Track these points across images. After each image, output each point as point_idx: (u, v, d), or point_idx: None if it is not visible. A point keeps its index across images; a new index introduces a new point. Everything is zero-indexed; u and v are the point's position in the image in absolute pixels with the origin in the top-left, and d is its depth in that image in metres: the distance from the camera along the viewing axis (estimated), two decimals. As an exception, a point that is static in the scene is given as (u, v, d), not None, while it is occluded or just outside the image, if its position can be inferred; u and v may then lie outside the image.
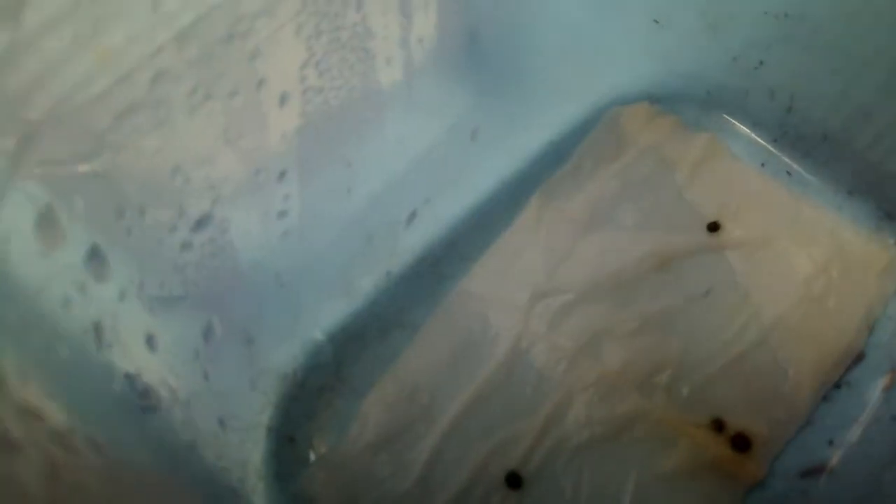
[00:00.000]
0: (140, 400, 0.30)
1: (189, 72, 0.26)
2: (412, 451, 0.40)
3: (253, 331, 0.39)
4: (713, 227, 0.46)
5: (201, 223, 0.31)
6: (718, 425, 0.41)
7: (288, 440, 0.41)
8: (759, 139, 0.51)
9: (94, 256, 0.26)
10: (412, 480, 0.39)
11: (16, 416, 0.20)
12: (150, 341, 0.30)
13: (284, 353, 0.41)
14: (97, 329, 0.26)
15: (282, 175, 0.33)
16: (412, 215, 0.44)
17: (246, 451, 0.39)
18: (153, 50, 0.24)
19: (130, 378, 0.29)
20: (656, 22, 0.49)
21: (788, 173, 0.49)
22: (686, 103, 0.51)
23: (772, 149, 0.50)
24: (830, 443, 0.42)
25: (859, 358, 0.44)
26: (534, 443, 0.40)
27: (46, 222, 0.24)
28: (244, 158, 0.30)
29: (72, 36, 0.21)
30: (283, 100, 0.31)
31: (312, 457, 0.41)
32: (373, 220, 0.42)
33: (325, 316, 0.43)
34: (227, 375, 0.38)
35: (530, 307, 0.43)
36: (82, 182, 0.24)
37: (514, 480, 0.39)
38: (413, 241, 0.45)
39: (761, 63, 0.48)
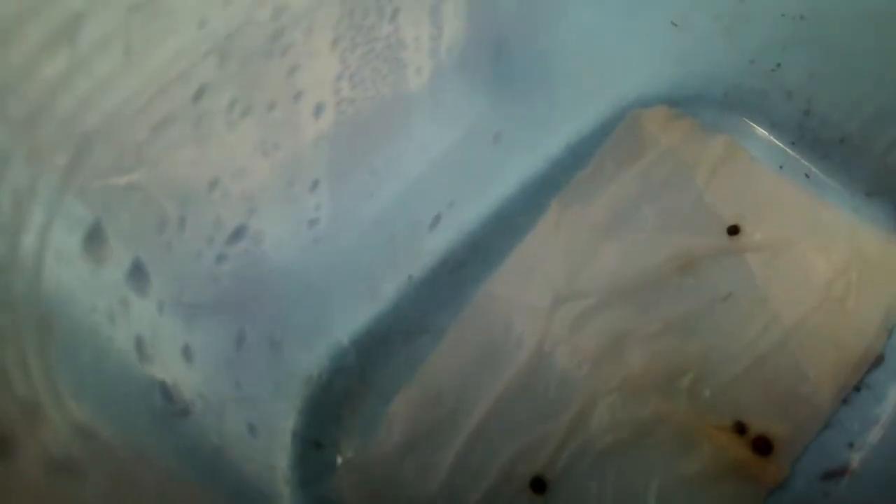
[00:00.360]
0: (176, 410, 0.30)
1: (229, 86, 0.26)
2: (438, 454, 0.40)
3: (280, 336, 0.39)
4: (733, 231, 0.46)
5: (237, 235, 0.31)
6: (740, 428, 0.41)
7: (314, 445, 0.41)
8: (777, 141, 0.51)
9: (137, 271, 0.26)
10: (438, 484, 0.39)
11: (76, 437, 0.20)
12: (186, 352, 0.30)
13: (310, 358, 0.42)
14: (139, 343, 0.27)
15: (314, 185, 0.33)
16: (436, 219, 0.45)
17: (273, 457, 0.39)
18: (197, 65, 0.24)
19: (167, 389, 0.29)
20: (674, 24, 0.49)
21: (807, 175, 0.49)
22: (704, 105, 0.52)
23: (790, 151, 0.50)
24: (851, 445, 0.42)
25: (879, 360, 0.44)
26: (558, 447, 0.40)
27: (94, 239, 0.24)
28: (279, 170, 0.30)
29: (122, 54, 0.22)
30: (318, 111, 0.31)
31: (339, 461, 0.41)
32: (397, 224, 0.43)
33: (350, 320, 0.43)
34: (256, 381, 0.38)
35: (552, 311, 0.44)
36: (126, 197, 0.24)
37: (538, 485, 0.39)
38: (436, 245, 0.45)
39: (778, 65, 0.48)
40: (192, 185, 0.27)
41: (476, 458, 0.40)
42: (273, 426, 0.39)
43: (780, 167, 0.50)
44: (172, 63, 0.23)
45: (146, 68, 0.23)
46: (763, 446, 0.41)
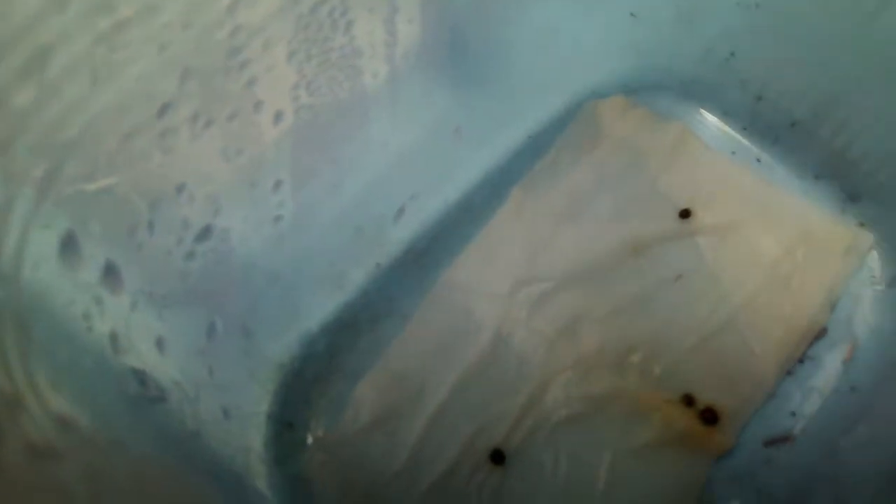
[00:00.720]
0: (152, 397, 0.32)
1: (191, 101, 0.28)
2: (403, 432, 0.43)
3: (251, 325, 0.41)
4: (685, 214, 0.49)
5: (204, 234, 0.33)
6: (688, 400, 0.44)
7: (287, 426, 0.43)
8: (729, 128, 0.53)
9: (110, 272, 0.29)
10: (404, 459, 0.42)
11: (53, 426, 0.22)
12: (160, 344, 0.33)
13: (281, 344, 0.44)
14: (113, 337, 0.29)
15: (277, 185, 0.36)
16: (399, 210, 0.47)
17: (248, 438, 0.41)
18: (159, 85, 0.27)
19: (143, 378, 0.31)
20: (633, 15, 0.51)
21: (758, 160, 0.52)
22: (660, 95, 0.54)
23: (742, 137, 0.53)
24: (793, 414, 0.45)
25: (822, 333, 0.47)
26: (516, 422, 0.43)
27: (68, 245, 0.26)
28: (242, 173, 0.33)
29: (89, 80, 0.24)
30: (278, 118, 0.33)
31: (310, 441, 0.43)
32: (362, 217, 0.45)
33: (319, 308, 0.45)
34: (229, 368, 0.41)
35: (512, 295, 0.46)
36: (97, 203, 0.27)
37: (498, 457, 0.42)
38: (401, 235, 0.47)
39: (732, 54, 0.51)
40: (159, 190, 0.30)
41: (439, 434, 0.43)
42: (247, 410, 0.42)
43: (733, 153, 0.52)
44: (136, 85, 0.26)
45: (111, 92, 0.25)
46: (710, 417, 0.43)
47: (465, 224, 0.49)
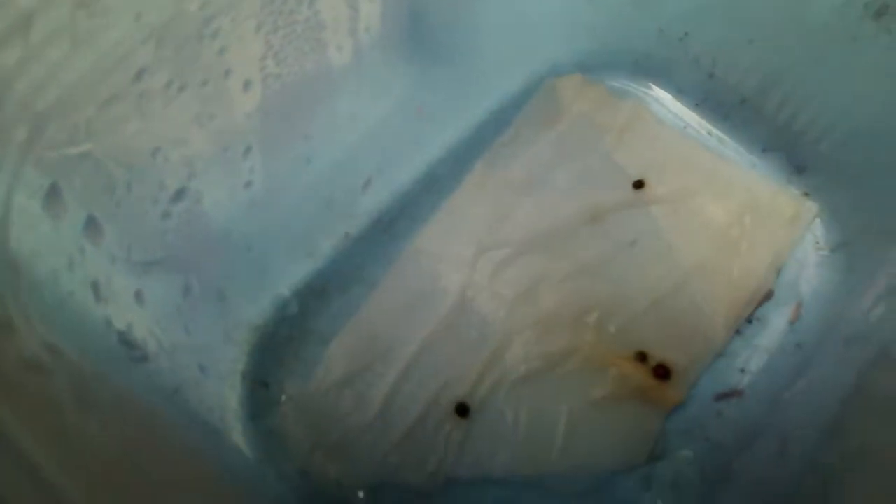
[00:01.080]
0: (132, 350, 0.35)
1: (166, 67, 0.31)
2: (372, 388, 0.45)
3: (226, 289, 0.44)
4: (638, 185, 0.51)
5: (179, 195, 0.36)
6: (642, 357, 0.46)
7: (261, 385, 0.46)
8: (682, 104, 0.56)
9: (91, 225, 0.31)
10: (373, 414, 0.44)
11: (43, 349, 0.25)
12: (139, 297, 0.35)
13: (255, 308, 0.46)
14: (95, 286, 0.31)
15: (247, 150, 0.38)
16: (367, 182, 0.49)
17: (224, 396, 0.44)
18: (135, 51, 0.29)
19: (125, 338, 0.34)
20: (590, -3, 0.54)
21: (709, 134, 0.55)
22: (616, 72, 0.56)
23: (694, 113, 0.55)
24: (742, 370, 0.47)
25: (768, 296, 0.49)
26: (479, 377, 0.45)
27: (52, 200, 0.28)
28: (214, 138, 0.35)
29: (69, 45, 0.26)
30: (247, 86, 0.36)
31: (283, 398, 0.46)
32: (331, 187, 0.47)
33: (291, 274, 0.48)
34: (205, 329, 0.43)
35: (475, 261, 0.49)
36: (78, 164, 0.29)
37: (462, 410, 0.45)
38: (369, 205, 0.50)
39: (686, 34, 0.53)
40: (136, 152, 0.32)
41: (407, 389, 0.45)
42: (223, 369, 0.44)
43: (685, 127, 0.55)
44: (114, 50, 0.28)
45: (91, 56, 0.27)
46: (663, 373, 0.46)
47: (430, 195, 0.51)
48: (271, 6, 0.33)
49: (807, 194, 0.51)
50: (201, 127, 0.34)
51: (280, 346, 0.47)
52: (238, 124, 0.36)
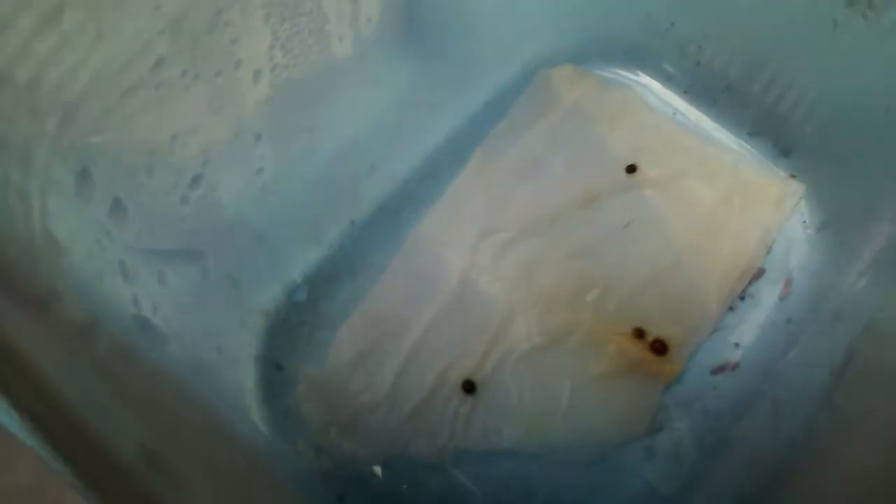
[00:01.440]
0: (155, 330, 0.37)
1: (182, 57, 0.33)
2: (382, 368, 0.47)
3: (239, 275, 0.46)
4: (631, 169, 0.53)
5: (195, 181, 0.38)
6: (639, 333, 0.48)
7: (275, 367, 0.48)
8: (671, 91, 0.58)
9: (117, 207, 0.33)
10: (384, 392, 0.46)
11: (88, 320, 0.27)
12: (161, 280, 0.37)
13: (267, 294, 0.48)
14: (122, 266, 0.33)
15: (257, 137, 0.40)
16: (371, 170, 0.51)
17: (241, 378, 0.46)
18: (154, 41, 0.31)
19: (147, 313, 0.36)
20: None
21: (697, 120, 0.57)
22: (606, 62, 0.58)
23: (682, 99, 0.57)
24: (736, 345, 0.49)
25: (759, 273, 0.51)
26: (484, 356, 0.47)
27: (83, 182, 0.30)
28: (227, 125, 0.37)
29: (95, 35, 0.28)
30: (257, 76, 0.37)
31: (298, 379, 0.48)
32: (336, 176, 0.49)
33: (301, 261, 0.49)
34: (220, 314, 0.45)
35: (476, 245, 0.51)
36: (104, 149, 0.31)
37: (469, 386, 0.46)
38: (373, 193, 0.52)
39: (672, 24, 0.55)
40: (156, 140, 0.34)
41: (416, 368, 0.47)
42: (238, 352, 0.46)
43: (674, 114, 0.57)
44: (134, 41, 0.30)
45: (114, 46, 0.29)
46: (660, 347, 0.48)
47: (432, 183, 0.53)
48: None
49: (793, 176, 0.53)
50: (215, 115, 0.36)
51: (292, 330, 0.49)
52: (249, 113, 0.38)
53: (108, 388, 0.25)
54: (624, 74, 0.58)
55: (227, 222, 0.41)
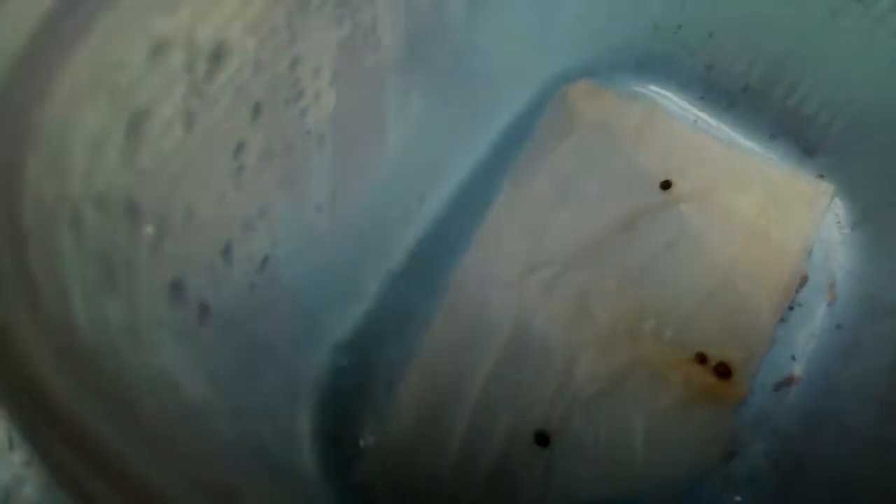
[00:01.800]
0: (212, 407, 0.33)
1: (259, 137, 0.29)
2: (449, 428, 0.44)
3: (283, 344, 0.42)
4: (665, 186, 0.51)
5: (263, 265, 0.34)
6: (702, 358, 0.47)
7: (334, 441, 0.44)
8: (687, 99, 0.56)
9: (203, 313, 0.29)
10: (455, 457, 0.43)
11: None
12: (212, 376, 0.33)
13: (312, 362, 0.44)
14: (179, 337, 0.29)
15: (319, 208, 0.37)
16: (401, 216, 0.48)
17: (298, 455, 0.42)
18: (236, 125, 0.27)
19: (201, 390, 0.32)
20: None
21: (717, 126, 0.55)
22: (620, 74, 0.56)
23: (699, 106, 0.56)
24: (793, 358, 0.48)
25: (804, 281, 0.50)
26: (552, 402, 0.45)
27: (174, 293, 0.26)
28: (294, 200, 0.33)
29: (184, 128, 0.24)
30: (321, 142, 0.34)
31: (359, 451, 0.44)
32: (369, 226, 0.46)
33: (344, 321, 0.46)
34: (270, 390, 0.41)
35: (523, 282, 0.48)
36: (193, 251, 0.27)
37: (542, 439, 0.44)
38: (406, 240, 0.48)
39: (679, 27, 0.54)
40: (232, 229, 0.30)
41: (483, 424, 0.44)
42: (293, 429, 0.42)
43: (695, 121, 0.55)
44: (218, 127, 0.26)
45: (198, 137, 0.26)
46: (724, 371, 0.46)
47: (465, 220, 0.50)
48: (344, 52, 0.32)
49: (821, 176, 0.52)
50: (286, 192, 0.32)
51: (345, 398, 0.45)
52: (313, 182, 0.34)
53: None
54: (639, 84, 0.56)
55: (279, 294, 0.38)
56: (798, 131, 0.53)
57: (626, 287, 0.48)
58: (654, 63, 0.56)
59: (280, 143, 0.30)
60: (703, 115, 0.55)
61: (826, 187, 0.52)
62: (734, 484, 0.45)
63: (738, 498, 0.45)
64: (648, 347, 0.47)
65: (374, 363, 0.46)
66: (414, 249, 0.49)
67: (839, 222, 0.52)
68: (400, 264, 0.48)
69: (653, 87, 0.56)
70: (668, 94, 0.56)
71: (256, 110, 0.28)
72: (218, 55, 0.25)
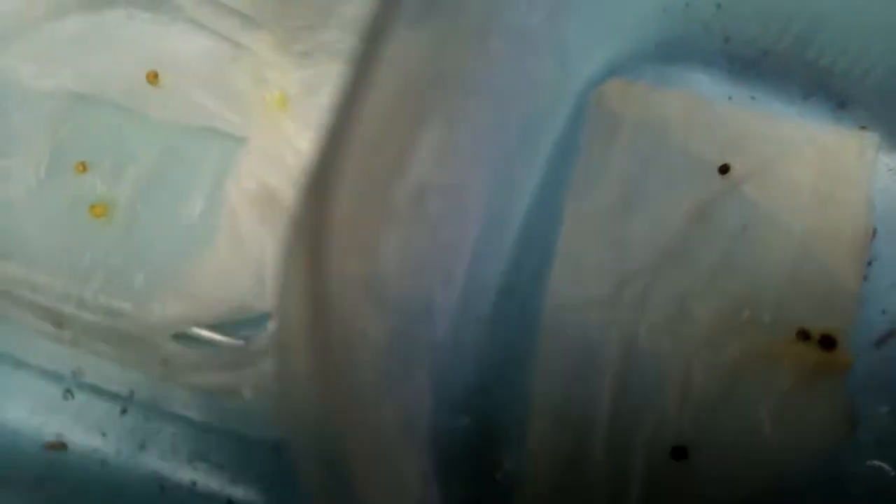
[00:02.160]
0: None
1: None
2: (589, 469, 0.43)
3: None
4: (724, 170, 0.51)
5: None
6: (804, 335, 0.46)
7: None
8: (715, 76, 0.55)
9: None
10: (604, 493, 0.43)
11: None
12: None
13: (430, 424, 0.43)
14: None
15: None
16: (473, 259, 0.46)
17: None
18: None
19: None
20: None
21: (753, 98, 0.55)
22: (645, 65, 0.55)
23: (729, 81, 0.55)
24: (884, 311, 0.48)
25: (874, 233, 0.50)
26: (678, 415, 0.44)
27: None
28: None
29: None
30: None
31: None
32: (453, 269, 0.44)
33: (447, 378, 0.44)
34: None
35: (616, 299, 0.47)
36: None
37: (679, 453, 0.43)
38: (487, 278, 0.47)
39: (687, 4, 0.53)
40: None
41: (619, 455, 0.43)
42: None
43: (730, 98, 0.54)
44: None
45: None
46: (828, 342, 0.46)
47: (537, 249, 0.49)
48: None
49: (863, 128, 0.52)
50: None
51: (475, 467, 0.44)
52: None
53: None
54: (665, 73, 0.55)
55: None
56: (826, 88, 0.53)
57: (715, 280, 0.48)
58: (673, 46, 0.55)
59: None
60: (736, 90, 0.55)
61: (872, 137, 0.52)
62: (864, 449, 0.45)
63: (873, 462, 0.45)
64: (753, 336, 0.46)
65: (491, 423, 0.45)
66: (496, 288, 0.48)
67: (891, 169, 0.52)
68: (489, 310, 0.47)
69: (679, 72, 0.55)
70: (697, 74, 0.55)
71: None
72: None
